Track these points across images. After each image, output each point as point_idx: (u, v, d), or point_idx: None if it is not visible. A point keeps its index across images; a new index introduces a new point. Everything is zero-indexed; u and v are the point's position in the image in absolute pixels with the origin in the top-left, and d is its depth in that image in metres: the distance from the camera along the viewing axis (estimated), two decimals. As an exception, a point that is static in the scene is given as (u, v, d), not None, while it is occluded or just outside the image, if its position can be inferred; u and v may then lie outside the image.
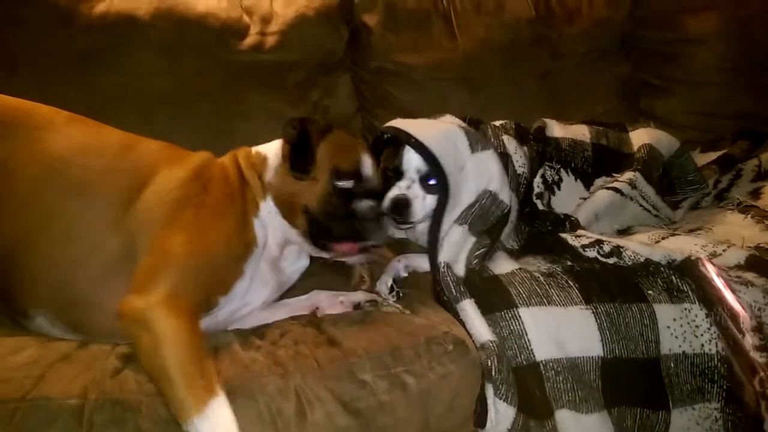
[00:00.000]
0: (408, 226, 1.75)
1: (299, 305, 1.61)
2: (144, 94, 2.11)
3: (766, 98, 2.59)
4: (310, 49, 2.29)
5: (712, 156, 2.25)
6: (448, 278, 1.52)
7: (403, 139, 1.69)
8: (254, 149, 1.62)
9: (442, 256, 1.56)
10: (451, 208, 1.65)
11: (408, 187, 1.69)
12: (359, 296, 1.60)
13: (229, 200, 1.47)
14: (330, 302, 1.60)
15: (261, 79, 2.21)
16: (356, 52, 2.42)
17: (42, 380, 1.22)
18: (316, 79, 2.32)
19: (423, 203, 1.68)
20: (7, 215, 1.35)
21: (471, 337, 1.45)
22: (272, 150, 1.59)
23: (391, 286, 1.65)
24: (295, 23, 2.27)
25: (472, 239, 1.61)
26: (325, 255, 1.59)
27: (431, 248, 1.63)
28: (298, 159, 1.51)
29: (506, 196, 1.69)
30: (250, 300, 1.51)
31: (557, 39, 2.58)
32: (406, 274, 1.72)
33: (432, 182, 1.68)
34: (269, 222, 1.53)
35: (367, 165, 1.59)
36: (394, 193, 1.68)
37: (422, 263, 1.72)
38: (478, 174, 1.68)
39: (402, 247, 1.87)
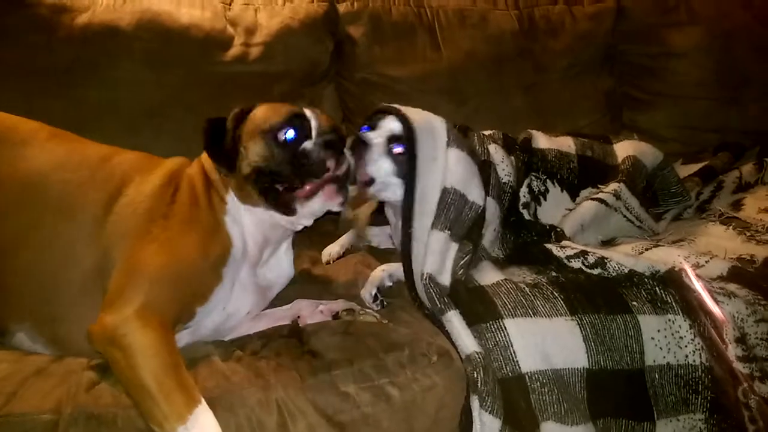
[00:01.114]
0: (362, 178, 1.64)
1: (281, 314, 1.59)
2: (129, 106, 2.10)
3: (747, 112, 2.64)
4: (294, 61, 2.29)
5: (694, 168, 2.27)
6: (432, 290, 1.50)
7: (387, 109, 1.70)
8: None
9: (427, 267, 1.53)
10: (419, 199, 1.60)
11: (373, 138, 1.65)
12: (338, 305, 1.58)
13: (197, 205, 1.43)
14: (310, 311, 1.58)
15: (246, 90, 2.20)
16: (341, 64, 2.43)
17: (15, 396, 1.20)
18: (302, 91, 2.31)
19: (381, 158, 1.63)
20: None
21: (456, 348, 1.44)
22: None
23: (375, 295, 1.64)
24: (280, 34, 2.27)
25: (455, 246, 1.59)
26: (297, 218, 1.49)
27: (405, 249, 1.58)
28: (217, 157, 1.46)
29: (477, 196, 1.65)
30: (234, 311, 1.49)
31: (541, 52, 2.61)
32: (390, 284, 1.70)
33: (397, 148, 1.64)
34: (241, 217, 1.48)
35: (305, 113, 1.52)
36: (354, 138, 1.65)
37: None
38: (444, 169, 1.63)
39: (387, 257, 1.87)
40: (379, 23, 2.44)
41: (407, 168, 1.62)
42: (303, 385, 1.29)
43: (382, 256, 1.90)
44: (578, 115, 2.62)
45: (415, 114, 1.69)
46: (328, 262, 1.89)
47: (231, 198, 1.48)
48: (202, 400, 1.17)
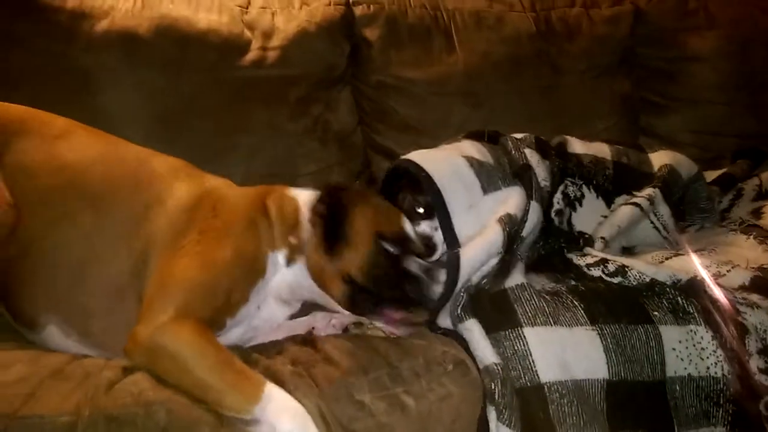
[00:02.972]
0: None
1: (297, 325, 1.57)
2: (147, 112, 2.09)
3: (766, 117, 2.60)
4: (311, 64, 2.28)
5: (712, 175, 2.24)
6: (461, 296, 1.50)
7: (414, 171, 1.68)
8: (288, 192, 1.54)
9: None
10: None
11: (436, 228, 1.64)
12: (348, 318, 1.55)
13: (241, 227, 1.41)
14: (324, 323, 1.56)
15: (262, 94, 2.19)
16: (357, 66, 2.41)
17: (32, 398, 1.18)
18: (318, 94, 2.30)
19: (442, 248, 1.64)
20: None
21: (474, 358, 1.43)
22: (305, 201, 1.51)
23: None
24: (297, 38, 2.25)
25: (495, 259, 1.59)
26: (364, 320, 1.50)
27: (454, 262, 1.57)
28: (330, 234, 1.43)
29: (518, 208, 1.66)
30: (258, 325, 1.48)
31: (558, 54, 2.58)
32: None
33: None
34: (293, 275, 1.46)
35: (409, 227, 1.53)
36: (424, 230, 1.63)
37: None
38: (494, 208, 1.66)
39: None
40: (395, 26, 2.41)
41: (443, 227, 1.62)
42: (319, 394, 1.27)
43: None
44: (595, 118, 2.59)
45: (437, 166, 1.68)
46: None
47: (288, 250, 1.46)
48: (265, 379, 1.19)
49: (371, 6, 2.41)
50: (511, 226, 1.61)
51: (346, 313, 1.50)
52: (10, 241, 1.33)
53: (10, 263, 1.34)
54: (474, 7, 2.56)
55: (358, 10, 2.39)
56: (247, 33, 2.24)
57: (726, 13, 2.70)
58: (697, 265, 1.64)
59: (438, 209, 1.63)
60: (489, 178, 1.72)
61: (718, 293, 1.53)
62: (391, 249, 1.44)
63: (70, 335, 1.34)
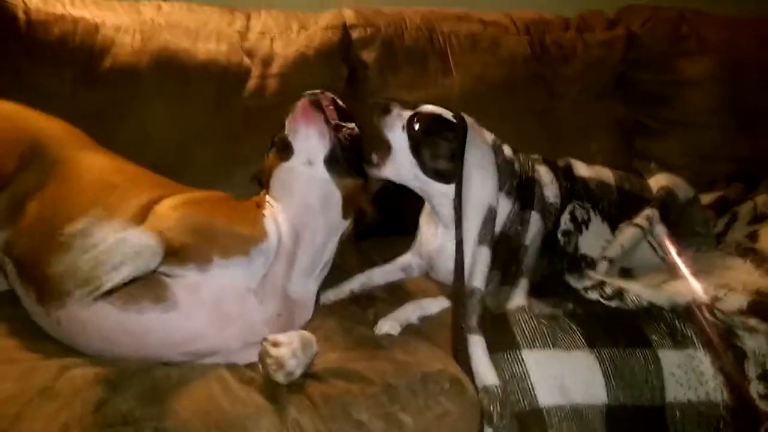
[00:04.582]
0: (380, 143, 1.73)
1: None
2: (154, 145, 2.12)
3: (760, 141, 2.63)
4: (310, 88, 2.23)
5: (706, 198, 2.25)
6: (476, 307, 1.51)
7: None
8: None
9: (475, 282, 1.56)
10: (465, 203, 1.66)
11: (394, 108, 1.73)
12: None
13: (240, 208, 1.60)
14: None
15: (261, 121, 2.18)
16: (353, 89, 2.42)
17: (19, 419, 1.16)
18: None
19: (398, 129, 1.70)
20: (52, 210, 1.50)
21: (474, 375, 1.42)
22: None
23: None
24: (296, 63, 2.28)
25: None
26: (295, 160, 1.61)
27: (459, 257, 1.62)
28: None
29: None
30: (251, 301, 1.48)
31: (552, 77, 2.61)
32: (417, 322, 1.66)
33: (416, 126, 1.70)
34: (278, 216, 1.57)
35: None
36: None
37: (434, 308, 1.69)
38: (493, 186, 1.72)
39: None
40: (392, 48, 2.44)
41: (456, 165, 1.68)
42: (316, 412, 1.26)
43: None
44: (590, 140, 2.60)
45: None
46: None
47: (269, 202, 1.62)
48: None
49: (368, 29, 2.44)
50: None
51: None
52: (32, 226, 1.50)
53: (38, 248, 1.45)
54: (469, 30, 2.58)
55: (355, 34, 2.41)
56: (247, 60, 2.26)
57: (719, 38, 2.73)
58: (694, 288, 1.63)
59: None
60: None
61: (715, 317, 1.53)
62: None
63: None
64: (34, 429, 1.15)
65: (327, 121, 1.59)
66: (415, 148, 1.70)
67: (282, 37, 2.33)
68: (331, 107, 1.64)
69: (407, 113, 1.73)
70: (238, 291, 1.46)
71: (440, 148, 1.71)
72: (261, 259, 1.49)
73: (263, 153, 1.96)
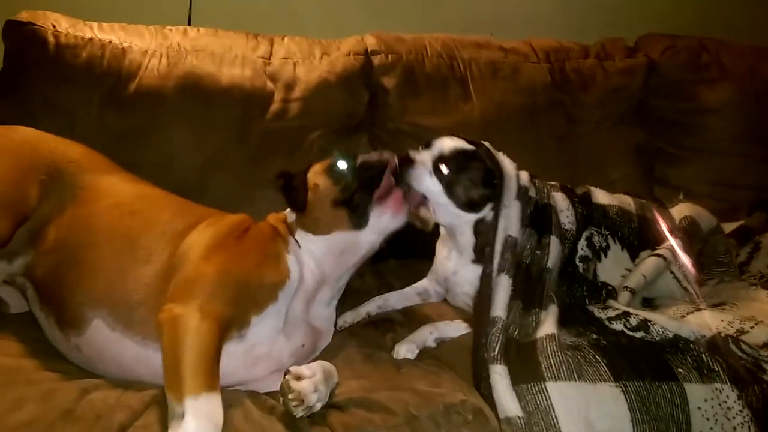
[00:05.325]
0: (415, 198, 1.71)
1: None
2: (174, 168, 2.15)
3: (780, 169, 2.61)
4: (332, 114, 2.32)
5: (728, 227, 2.23)
6: (497, 336, 1.50)
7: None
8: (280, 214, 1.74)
9: (496, 312, 1.56)
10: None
11: (419, 154, 1.72)
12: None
13: (259, 243, 1.57)
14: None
15: (283, 145, 2.24)
16: (374, 114, 2.44)
17: (43, 444, 1.16)
18: (338, 142, 2.32)
19: (428, 177, 1.70)
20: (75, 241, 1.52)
21: (497, 407, 1.40)
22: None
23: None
24: (318, 88, 2.30)
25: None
26: (366, 232, 1.58)
27: (485, 289, 1.62)
28: (291, 196, 1.64)
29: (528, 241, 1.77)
30: (286, 337, 1.51)
31: (572, 105, 2.61)
32: (434, 345, 1.67)
33: (445, 171, 1.70)
34: (302, 256, 1.58)
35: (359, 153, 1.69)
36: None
37: (451, 332, 1.68)
38: (508, 217, 1.73)
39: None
40: (413, 75, 2.46)
41: (495, 208, 1.72)
42: (338, 444, 1.25)
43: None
44: (610, 168, 2.60)
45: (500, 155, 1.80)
46: None
47: (295, 240, 1.62)
48: (219, 394, 1.23)
49: (389, 56, 2.46)
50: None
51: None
52: (53, 251, 1.52)
53: (58, 273, 1.49)
54: (489, 57, 2.60)
55: (377, 60, 2.44)
56: (270, 85, 2.28)
57: (739, 66, 2.73)
58: (719, 320, 1.61)
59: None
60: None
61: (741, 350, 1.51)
62: (340, 166, 1.61)
63: (116, 328, 1.41)
64: (57, 456, 1.15)
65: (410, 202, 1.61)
66: (449, 188, 1.72)
67: (305, 63, 2.36)
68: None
69: (427, 156, 1.73)
70: (270, 335, 1.48)
71: (471, 180, 1.74)
72: (285, 299, 1.51)
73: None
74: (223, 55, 2.29)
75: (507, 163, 1.84)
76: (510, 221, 1.72)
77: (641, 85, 2.69)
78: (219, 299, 1.36)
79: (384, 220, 1.57)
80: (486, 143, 1.83)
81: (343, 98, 2.34)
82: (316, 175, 1.65)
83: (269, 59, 2.34)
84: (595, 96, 2.64)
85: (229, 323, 1.37)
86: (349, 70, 2.36)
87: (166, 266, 1.46)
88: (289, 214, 1.67)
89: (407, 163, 1.68)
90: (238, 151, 2.21)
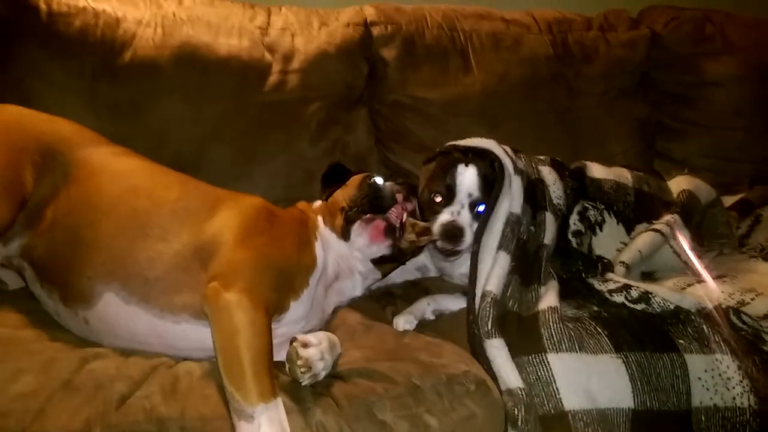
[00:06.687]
0: (455, 257, 1.75)
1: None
2: (173, 142, 2.10)
3: (782, 143, 2.60)
4: (331, 86, 2.28)
5: (729, 200, 2.23)
6: (488, 311, 1.49)
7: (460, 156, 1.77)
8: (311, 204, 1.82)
9: (490, 287, 1.55)
10: (489, 224, 1.66)
11: (458, 212, 1.70)
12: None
13: (292, 228, 1.60)
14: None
15: (282, 118, 2.19)
16: (374, 86, 2.41)
17: (42, 414, 1.15)
18: (337, 116, 2.30)
19: (472, 231, 1.68)
20: (84, 215, 1.48)
21: (497, 379, 1.41)
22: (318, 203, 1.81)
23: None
24: (317, 60, 2.26)
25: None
26: (350, 248, 1.64)
27: (473, 267, 1.62)
28: (324, 180, 1.79)
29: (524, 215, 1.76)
30: (301, 324, 1.54)
31: (575, 77, 2.59)
32: (432, 317, 1.67)
33: (482, 208, 1.69)
34: (329, 246, 1.65)
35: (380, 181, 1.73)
36: (445, 218, 1.69)
37: (450, 305, 1.68)
38: (510, 196, 1.71)
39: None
40: (413, 46, 2.42)
41: (489, 206, 1.70)
42: (340, 413, 1.25)
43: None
44: (611, 141, 2.58)
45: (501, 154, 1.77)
46: None
47: (322, 230, 1.68)
48: (279, 392, 1.24)
49: (389, 26, 2.41)
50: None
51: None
52: (51, 230, 1.48)
53: (60, 251, 1.46)
54: (491, 28, 2.56)
55: (376, 31, 2.40)
56: (268, 56, 2.23)
57: (743, 39, 2.71)
58: (719, 292, 1.61)
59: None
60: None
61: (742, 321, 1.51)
62: (369, 179, 1.68)
63: (130, 301, 1.40)
64: (58, 425, 1.14)
65: (394, 238, 1.61)
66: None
67: (303, 34, 2.31)
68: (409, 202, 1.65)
69: (466, 205, 1.72)
70: (300, 319, 1.52)
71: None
72: (314, 284, 1.55)
73: (285, 148, 1.99)
74: (219, 24, 2.22)
75: (493, 146, 1.82)
76: (513, 199, 1.71)
77: (644, 58, 2.66)
78: (265, 284, 1.39)
79: (361, 241, 1.62)
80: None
81: (342, 70, 2.30)
82: (355, 179, 1.75)
83: (267, 29, 2.28)
84: (597, 68, 2.61)
85: (273, 309, 1.39)
86: (348, 42, 2.31)
87: (191, 247, 1.44)
88: (317, 206, 1.76)
89: (458, 232, 1.68)
90: (235, 123, 2.17)
